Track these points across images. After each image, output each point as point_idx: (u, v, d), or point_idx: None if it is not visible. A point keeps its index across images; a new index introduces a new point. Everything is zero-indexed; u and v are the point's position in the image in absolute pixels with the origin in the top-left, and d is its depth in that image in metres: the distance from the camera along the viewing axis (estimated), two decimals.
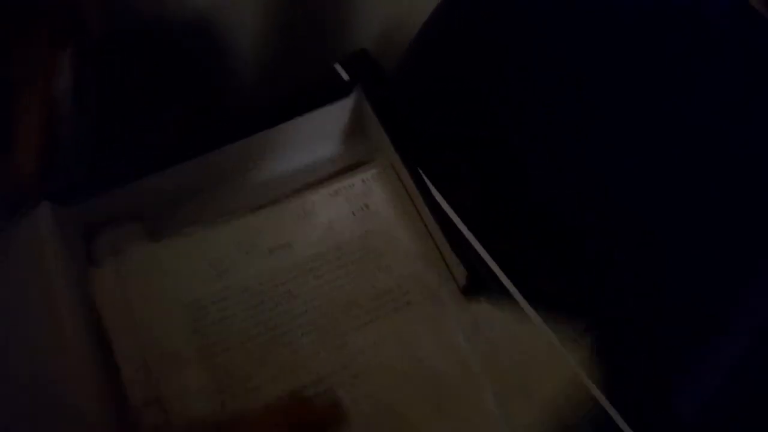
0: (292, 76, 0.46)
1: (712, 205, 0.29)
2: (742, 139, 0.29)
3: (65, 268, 0.32)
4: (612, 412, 0.28)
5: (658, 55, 0.32)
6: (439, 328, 0.33)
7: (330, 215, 0.36)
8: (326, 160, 0.40)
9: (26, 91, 0.43)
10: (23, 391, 0.29)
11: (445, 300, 0.34)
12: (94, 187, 0.36)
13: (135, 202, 0.37)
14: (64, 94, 0.45)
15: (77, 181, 0.39)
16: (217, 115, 0.47)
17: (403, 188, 0.37)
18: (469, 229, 0.35)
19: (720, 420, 0.28)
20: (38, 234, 0.33)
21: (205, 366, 0.31)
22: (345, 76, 0.43)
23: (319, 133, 0.39)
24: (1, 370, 0.30)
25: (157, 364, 0.31)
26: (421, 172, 0.36)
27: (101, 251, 0.35)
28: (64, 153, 0.45)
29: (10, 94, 0.43)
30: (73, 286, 0.32)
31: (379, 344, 0.32)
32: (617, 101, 0.33)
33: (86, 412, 0.28)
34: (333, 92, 0.39)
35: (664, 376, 0.28)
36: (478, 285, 0.33)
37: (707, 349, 0.28)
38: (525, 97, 0.35)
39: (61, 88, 0.44)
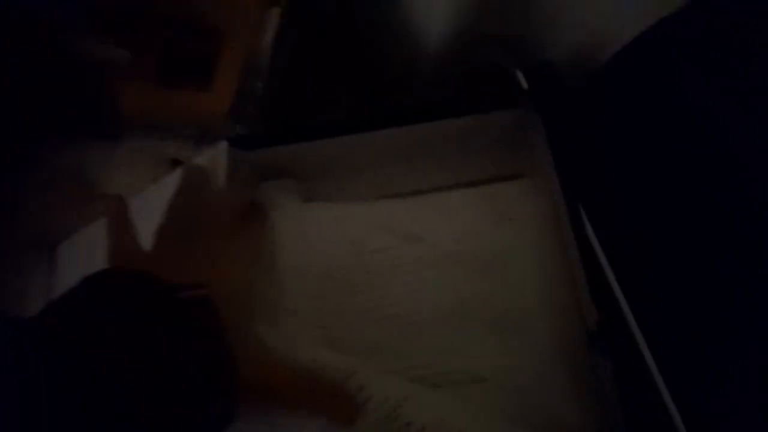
0: (469, 76, 0.46)
1: None
2: None
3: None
4: None
5: None
6: (548, 366, 0.31)
7: (471, 218, 0.35)
8: (482, 165, 0.39)
9: (230, 42, 0.48)
10: None
11: (563, 340, 0.32)
12: (268, 140, 0.39)
13: (298, 161, 0.40)
14: (265, 48, 0.49)
15: (255, 132, 0.43)
16: (388, 101, 0.48)
17: (553, 211, 0.35)
18: (614, 273, 0.32)
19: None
20: (214, 168, 0.37)
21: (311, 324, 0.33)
22: (524, 84, 0.41)
23: (484, 136, 0.39)
24: None
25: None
26: (578, 202, 0.34)
27: (260, 199, 0.38)
28: (255, 100, 0.48)
29: (215, 42, 0.48)
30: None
31: (483, 359, 0.31)
32: None
33: None
34: (508, 98, 0.39)
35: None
36: (606, 333, 0.31)
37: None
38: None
39: (264, 42, 0.49)
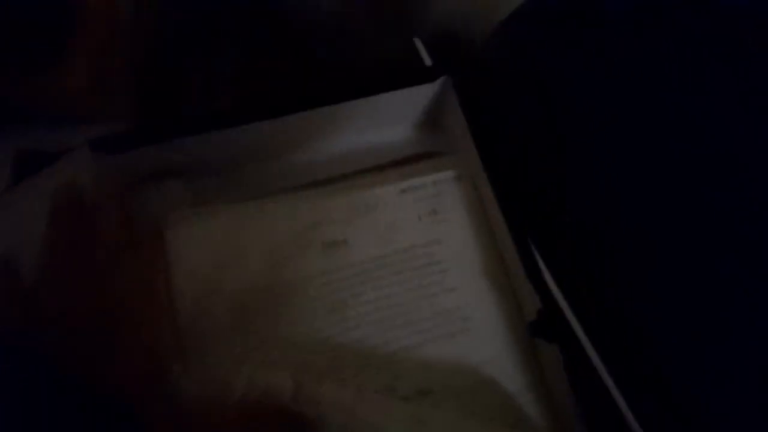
0: (372, 49, 0.42)
1: None
2: None
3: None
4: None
5: None
6: (495, 363, 0.30)
7: (395, 215, 0.32)
8: (396, 146, 0.36)
9: (89, 6, 0.40)
10: None
11: (506, 333, 0.30)
12: (139, 138, 0.33)
13: (180, 159, 0.34)
14: (125, 14, 0.42)
15: (121, 132, 0.36)
16: (288, 81, 0.43)
17: (478, 199, 0.33)
18: (544, 260, 0.31)
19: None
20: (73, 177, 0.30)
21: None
22: (427, 59, 0.38)
23: (393, 116, 0.36)
24: None
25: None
26: (502, 184, 0.32)
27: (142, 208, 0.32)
28: (120, 77, 0.41)
29: (68, 11, 0.40)
30: None
31: (427, 369, 0.29)
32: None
33: None
34: (412, 74, 0.35)
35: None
36: (546, 322, 0.29)
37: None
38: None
39: (122, 11, 0.41)
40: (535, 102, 0.34)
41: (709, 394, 0.26)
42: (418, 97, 0.35)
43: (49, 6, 0.41)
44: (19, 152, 0.40)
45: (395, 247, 0.31)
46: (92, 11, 0.40)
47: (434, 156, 0.35)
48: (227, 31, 0.44)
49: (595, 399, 0.29)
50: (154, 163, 0.34)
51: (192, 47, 0.43)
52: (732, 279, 0.26)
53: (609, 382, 0.29)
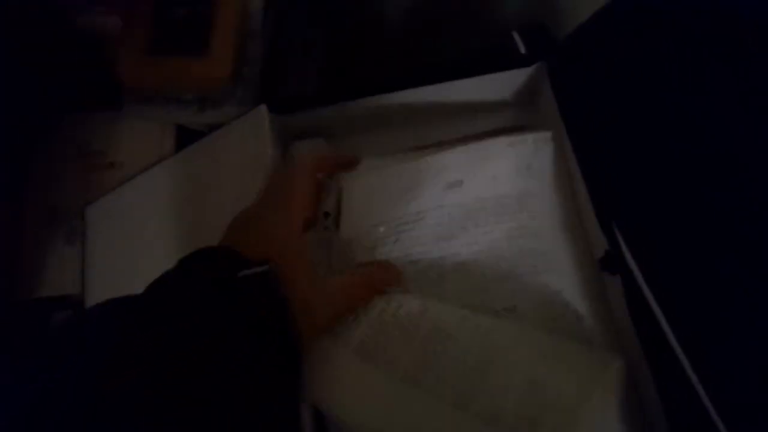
0: (467, 39, 0.49)
1: None
2: None
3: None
4: None
5: None
6: (568, 291, 0.37)
7: (500, 166, 0.39)
8: (497, 122, 0.44)
9: (225, 2, 0.48)
10: None
11: (579, 268, 0.37)
12: (298, 103, 0.42)
13: (325, 122, 0.43)
14: (256, 9, 0.50)
15: (288, 98, 0.45)
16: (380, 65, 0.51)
17: (563, 158, 0.40)
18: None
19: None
20: (260, 129, 0.39)
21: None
22: (521, 47, 0.46)
23: (493, 95, 0.43)
24: None
25: None
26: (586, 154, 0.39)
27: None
28: (250, 65, 0.50)
29: (210, 3, 0.48)
30: None
31: (513, 292, 0.36)
32: None
33: None
34: (510, 59, 0.42)
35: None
36: (612, 259, 0.36)
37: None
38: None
39: (255, 2, 0.50)
40: (611, 88, 0.41)
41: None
42: (516, 80, 0.43)
43: (194, 1, 0.48)
44: (179, 127, 0.49)
45: (497, 192, 0.38)
46: (229, 8, 0.48)
47: (530, 129, 0.42)
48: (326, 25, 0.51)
49: (646, 324, 0.33)
50: (307, 124, 0.43)
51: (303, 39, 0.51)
52: (732, 278, 0.28)
53: (657, 309, 0.34)
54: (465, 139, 0.41)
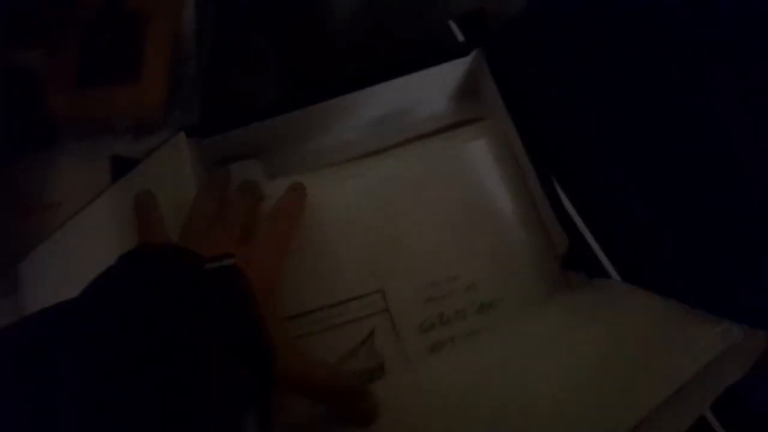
0: (402, 29, 0.46)
1: None
2: None
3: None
4: None
5: None
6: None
7: (435, 165, 0.37)
8: (433, 119, 0.41)
9: (154, 24, 0.46)
10: None
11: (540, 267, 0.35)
12: (220, 125, 0.39)
13: (253, 142, 0.40)
14: (188, 28, 0.47)
15: (203, 120, 0.42)
16: (325, 67, 0.48)
17: (511, 156, 0.38)
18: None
19: None
20: (179, 158, 0.37)
21: None
22: (459, 35, 0.43)
23: (431, 91, 0.41)
24: None
25: None
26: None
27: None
28: (188, 84, 0.47)
29: (139, 26, 0.46)
30: None
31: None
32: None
33: None
34: (446, 51, 0.40)
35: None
36: (577, 255, 0.34)
37: None
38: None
39: (187, 22, 0.47)
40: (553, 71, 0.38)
41: None
42: (455, 72, 0.40)
43: (121, 26, 0.46)
44: (114, 157, 0.46)
45: (441, 190, 0.37)
46: (159, 28, 0.45)
47: (472, 122, 0.40)
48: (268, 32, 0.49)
49: None
50: (234, 146, 0.40)
51: (240, 49, 0.48)
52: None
53: None
54: (405, 143, 0.39)
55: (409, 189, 0.37)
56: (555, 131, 0.38)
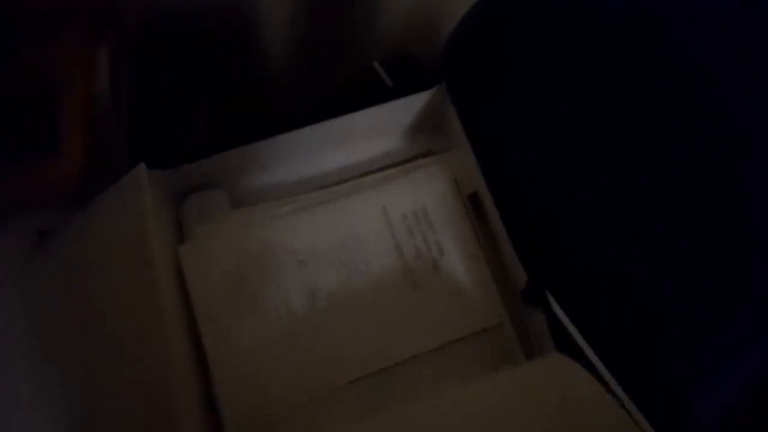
0: (329, 71, 0.46)
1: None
2: None
3: (163, 225, 0.36)
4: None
5: None
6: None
7: (395, 198, 0.38)
8: (387, 154, 0.42)
9: (67, 91, 0.42)
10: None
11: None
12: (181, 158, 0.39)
13: (218, 172, 0.40)
14: (103, 91, 0.44)
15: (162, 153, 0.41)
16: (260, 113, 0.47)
17: (455, 188, 0.39)
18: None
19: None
20: (139, 189, 0.35)
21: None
22: (388, 80, 0.43)
23: (383, 127, 0.41)
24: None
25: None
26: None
27: (190, 216, 0.38)
28: (108, 150, 0.44)
29: (53, 94, 0.42)
30: (167, 247, 0.36)
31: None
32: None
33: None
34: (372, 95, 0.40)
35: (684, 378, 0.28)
36: (536, 292, 0.34)
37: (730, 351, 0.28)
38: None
39: (101, 85, 0.44)
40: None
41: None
42: (414, 105, 0.40)
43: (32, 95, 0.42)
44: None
45: (406, 238, 0.37)
46: (72, 96, 0.41)
47: (427, 155, 0.41)
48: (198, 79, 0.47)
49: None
50: (197, 177, 0.40)
51: (170, 103, 0.47)
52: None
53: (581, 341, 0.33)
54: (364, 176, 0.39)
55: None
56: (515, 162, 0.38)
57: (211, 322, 0.34)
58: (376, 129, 0.41)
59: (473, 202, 0.39)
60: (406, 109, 0.40)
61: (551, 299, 0.33)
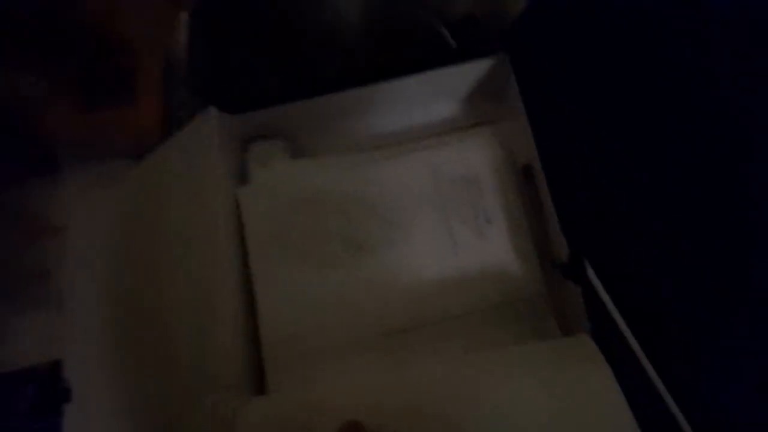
0: (394, 32, 0.45)
1: None
2: None
3: (227, 165, 0.39)
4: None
5: None
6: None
7: (435, 173, 0.38)
8: (444, 120, 0.42)
9: (149, 52, 0.46)
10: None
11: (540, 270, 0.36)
12: (252, 104, 0.41)
13: (282, 122, 0.42)
14: (180, 50, 0.47)
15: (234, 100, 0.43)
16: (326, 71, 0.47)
17: (510, 156, 0.39)
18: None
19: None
20: (208, 130, 0.38)
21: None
22: (451, 40, 0.43)
23: (442, 92, 0.42)
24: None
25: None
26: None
27: (252, 161, 0.40)
28: (184, 105, 0.46)
29: (131, 51, 0.46)
30: (229, 187, 0.39)
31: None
32: None
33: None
34: (437, 59, 0.40)
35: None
36: (577, 267, 0.34)
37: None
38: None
39: (178, 44, 0.47)
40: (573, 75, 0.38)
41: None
42: (475, 72, 0.41)
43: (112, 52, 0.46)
44: None
45: (453, 203, 0.38)
46: (148, 50, 0.46)
47: (484, 124, 0.41)
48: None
49: (606, 330, 0.33)
50: (264, 124, 0.42)
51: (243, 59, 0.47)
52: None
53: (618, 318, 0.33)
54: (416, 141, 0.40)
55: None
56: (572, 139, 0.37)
57: (260, 257, 0.37)
58: (435, 93, 0.41)
59: (524, 174, 0.39)
60: (466, 75, 0.40)
61: (591, 274, 0.33)
